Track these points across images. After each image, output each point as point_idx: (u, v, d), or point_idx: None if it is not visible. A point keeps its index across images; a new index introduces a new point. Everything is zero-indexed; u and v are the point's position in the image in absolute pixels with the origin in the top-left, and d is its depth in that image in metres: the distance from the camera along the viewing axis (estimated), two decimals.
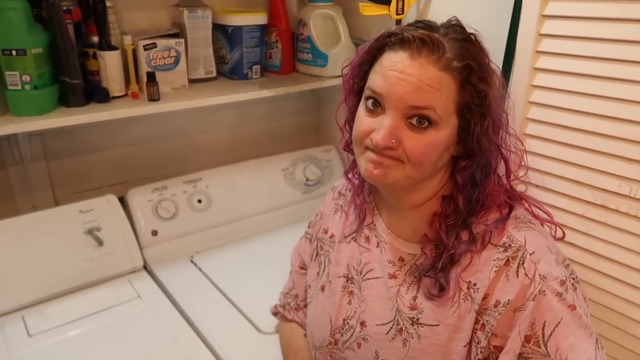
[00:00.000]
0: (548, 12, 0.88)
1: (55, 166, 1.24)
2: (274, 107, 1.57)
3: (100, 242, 1.09)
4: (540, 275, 0.60)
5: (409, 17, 1.18)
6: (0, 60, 0.95)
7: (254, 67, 1.34)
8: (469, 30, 0.64)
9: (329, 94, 1.52)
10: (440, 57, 0.61)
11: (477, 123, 0.63)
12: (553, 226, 0.71)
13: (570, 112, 0.89)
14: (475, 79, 0.62)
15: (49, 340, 0.94)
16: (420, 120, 0.61)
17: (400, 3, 1.15)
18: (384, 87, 0.62)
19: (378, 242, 0.75)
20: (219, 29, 1.30)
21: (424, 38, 0.61)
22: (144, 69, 1.15)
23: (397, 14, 1.16)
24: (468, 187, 0.67)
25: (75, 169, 1.27)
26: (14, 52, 0.94)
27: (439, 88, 0.60)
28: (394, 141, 0.62)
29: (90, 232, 1.09)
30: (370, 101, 0.64)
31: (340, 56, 1.35)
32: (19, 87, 0.97)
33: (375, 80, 0.64)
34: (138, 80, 1.17)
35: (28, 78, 0.97)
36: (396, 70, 0.61)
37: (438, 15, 0.67)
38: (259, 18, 1.31)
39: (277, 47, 1.40)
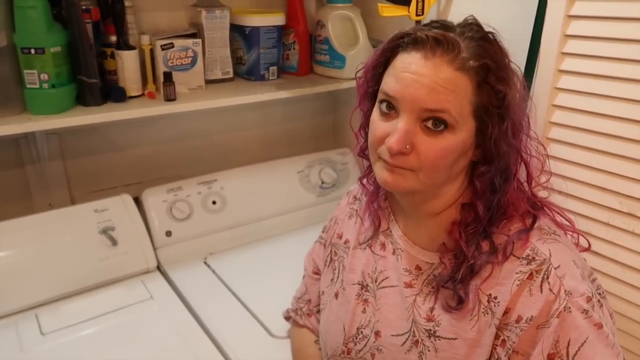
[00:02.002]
0: (574, 13, 0.85)
1: (72, 165, 1.25)
2: (290, 108, 1.56)
3: (114, 242, 1.09)
4: (565, 290, 0.57)
5: (429, 18, 1.16)
6: (19, 58, 0.96)
7: (270, 68, 1.33)
8: (486, 28, 0.62)
9: (346, 96, 1.51)
10: (455, 56, 0.58)
11: (495, 125, 0.60)
12: (577, 235, 0.68)
13: (596, 116, 0.86)
14: (493, 79, 0.59)
15: (62, 339, 0.94)
16: (436, 123, 0.59)
17: (420, 4, 1.13)
18: (397, 89, 0.60)
19: (394, 250, 0.73)
20: (236, 30, 1.30)
21: (438, 37, 0.58)
22: (161, 69, 1.15)
23: (417, 14, 1.14)
24: (488, 194, 0.64)
25: (92, 168, 1.28)
26: (32, 51, 0.95)
27: (454, 89, 0.58)
28: (408, 147, 0.59)
29: (104, 231, 1.09)
30: (384, 104, 0.62)
31: (358, 58, 1.33)
32: (37, 86, 0.98)
33: (389, 82, 0.62)
34: (155, 80, 1.17)
35: (46, 77, 0.97)
36: (409, 71, 0.59)
37: (459, 15, 0.65)
38: (277, 19, 1.30)
39: (294, 49, 1.39)
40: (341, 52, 1.35)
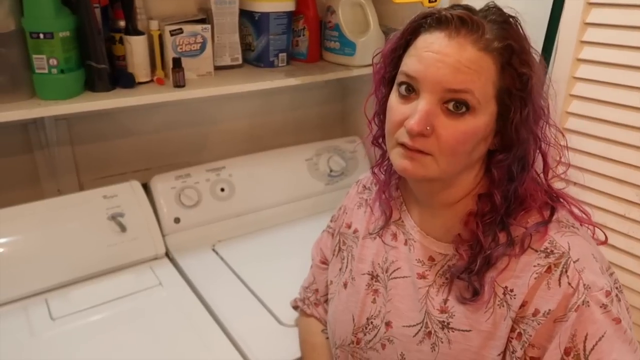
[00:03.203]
0: (595, 0, 0.83)
1: (81, 151, 1.25)
2: (299, 96, 1.54)
3: (123, 228, 1.09)
4: (584, 284, 0.56)
5: (442, 5, 1.14)
6: (28, 43, 0.95)
7: (280, 54, 1.31)
8: (508, 13, 0.61)
9: (355, 84, 1.49)
10: (479, 37, 0.57)
11: (517, 110, 0.59)
12: (593, 228, 0.66)
13: (614, 106, 0.84)
14: (517, 62, 0.58)
15: (71, 324, 0.94)
16: (458, 105, 0.57)
17: None
18: (419, 69, 0.58)
19: (406, 240, 0.72)
20: (245, 15, 1.28)
21: (462, 17, 0.57)
22: (170, 54, 1.14)
23: (429, 1, 1.12)
24: (505, 182, 0.62)
25: (100, 154, 1.28)
26: (41, 36, 0.94)
27: (477, 70, 0.56)
28: (428, 128, 0.58)
29: (113, 217, 1.09)
30: (404, 86, 0.60)
31: (368, 45, 1.31)
32: (46, 71, 0.97)
33: (410, 63, 0.60)
34: (164, 66, 1.16)
35: (55, 62, 0.96)
36: (432, 51, 0.58)
37: (472, 3, 0.64)
38: (287, 5, 1.28)
39: (304, 35, 1.37)
40: (351, 39, 1.33)
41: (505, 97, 0.59)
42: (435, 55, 0.57)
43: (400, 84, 0.61)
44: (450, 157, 0.60)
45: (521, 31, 0.60)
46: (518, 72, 0.58)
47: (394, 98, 0.63)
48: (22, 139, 1.17)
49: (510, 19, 0.60)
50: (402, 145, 0.60)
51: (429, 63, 0.58)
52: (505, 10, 0.61)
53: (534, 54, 0.61)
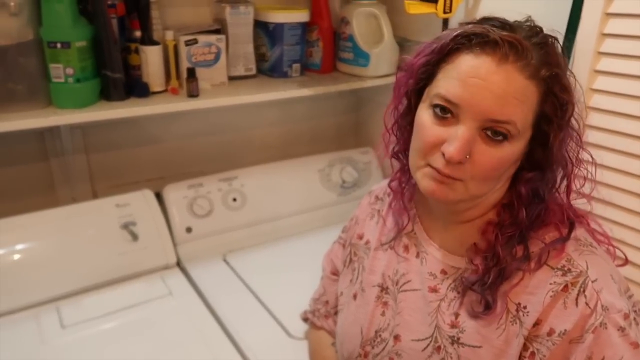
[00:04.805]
0: (613, 10, 0.81)
1: (95, 159, 1.26)
2: (312, 106, 1.54)
3: (135, 237, 1.09)
4: (602, 305, 0.54)
5: (457, 16, 1.13)
6: (45, 52, 0.97)
7: (294, 65, 1.32)
8: (549, 33, 0.58)
9: (369, 95, 1.48)
10: (527, 64, 0.54)
11: (553, 135, 0.57)
12: (613, 249, 0.64)
13: (633, 119, 0.82)
14: (558, 89, 0.56)
15: (82, 332, 0.94)
16: (496, 132, 0.55)
17: (447, 1, 1.10)
18: (463, 96, 0.55)
19: (418, 252, 0.70)
20: (260, 26, 1.29)
21: (512, 42, 0.54)
22: (185, 64, 1.15)
23: (444, 12, 1.11)
24: (531, 200, 0.61)
25: (114, 163, 1.29)
26: (58, 45, 0.96)
27: (523, 100, 0.54)
28: (468, 156, 0.56)
29: (125, 226, 1.09)
30: (439, 108, 0.58)
31: (382, 56, 1.31)
32: (62, 80, 0.98)
33: (450, 87, 0.56)
34: (178, 76, 1.17)
35: (71, 71, 0.98)
36: (479, 77, 0.54)
37: (488, 13, 0.61)
38: (301, 15, 1.29)
39: (318, 46, 1.37)
40: (365, 49, 1.32)
41: (543, 123, 0.57)
42: (481, 82, 0.54)
43: (436, 105, 0.58)
44: (481, 183, 0.58)
45: (559, 52, 0.58)
46: (559, 99, 0.56)
47: (426, 117, 0.60)
48: (38, 146, 1.19)
49: (550, 40, 0.58)
50: (434, 168, 0.58)
51: (474, 91, 0.55)
52: (545, 30, 0.58)
53: (569, 75, 0.59)
